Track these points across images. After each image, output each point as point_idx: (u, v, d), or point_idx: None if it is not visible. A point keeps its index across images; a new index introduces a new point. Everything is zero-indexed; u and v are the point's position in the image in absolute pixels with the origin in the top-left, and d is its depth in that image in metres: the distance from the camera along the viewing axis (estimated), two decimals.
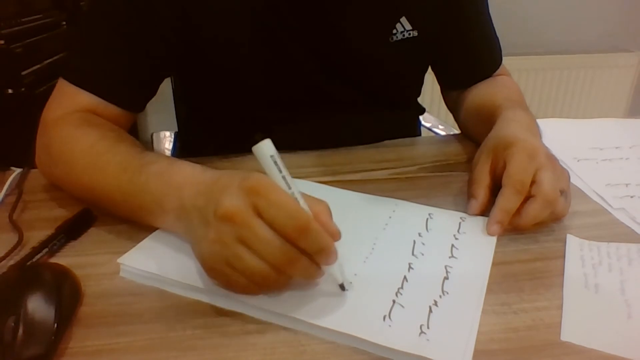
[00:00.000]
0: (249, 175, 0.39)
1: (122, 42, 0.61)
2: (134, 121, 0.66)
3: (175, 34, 0.63)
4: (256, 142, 0.38)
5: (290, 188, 0.39)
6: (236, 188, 0.39)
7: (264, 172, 0.39)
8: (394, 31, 0.69)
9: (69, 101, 0.61)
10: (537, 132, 0.61)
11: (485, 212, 0.53)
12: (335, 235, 0.40)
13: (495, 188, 0.53)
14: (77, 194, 0.56)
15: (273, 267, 0.38)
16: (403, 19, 0.69)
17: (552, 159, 0.52)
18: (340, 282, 0.42)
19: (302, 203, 0.39)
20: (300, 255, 0.38)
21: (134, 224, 0.52)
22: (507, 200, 0.50)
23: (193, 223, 0.42)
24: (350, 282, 0.43)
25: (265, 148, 0.39)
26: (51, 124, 0.60)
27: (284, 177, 0.39)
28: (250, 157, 0.39)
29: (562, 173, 0.53)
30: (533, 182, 0.50)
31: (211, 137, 0.78)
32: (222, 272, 0.40)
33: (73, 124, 0.58)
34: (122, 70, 0.62)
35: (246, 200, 0.38)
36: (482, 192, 0.54)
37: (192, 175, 0.46)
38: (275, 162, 0.39)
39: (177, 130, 1.03)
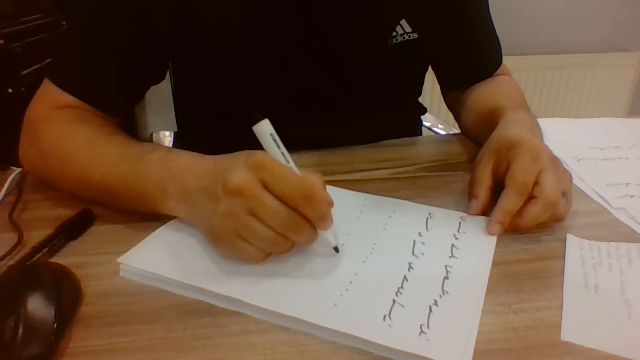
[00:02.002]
0: (252, 153, 0.42)
1: (109, 46, 0.61)
2: (119, 122, 0.65)
3: (167, 38, 0.63)
4: (255, 121, 0.42)
5: (288, 162, 0.43)
6: (242, 164, 0.42)
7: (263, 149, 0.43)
8: (394, 34, 0.69)
9: (54, 100, 0.60)
10: (539, 133, 0.61)
11: (485, 212, 0.53)
12: (330, 204, 0.43)
13: (497, 188, 0.53)
14: (71, 189, 0.56)
15: (281, 235, 0.42)
16: (403, 22, 0.69)
17: (555, 161, 0.52)
18: (334, 245, 0.46)
19: (300, 175, 0.42)
20: (304, 222, 0.42)
21: (134, 224, 0.52)
22: (509, 201, 0.50)
23: (198, 203, 0.45)
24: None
25: (265, 127, 0.42)
26: (39, 120, 0.59)
27: (282, 153, 0.43)
28: None
29: (564, 175, 0.53)
30: (536, 184, 0.50)
31: (210, 138, 0.78)
32: (232, 243, 0.43)
33: (65, 120, 0.58)
34: (108, 75, 0.61)
35: (253, 174, 0.41)
36: (483, 192, 0.54)
37: (191, 161, 0.48)
38: (274, 139, 0.42)
39: (176, 130, 1.03)
